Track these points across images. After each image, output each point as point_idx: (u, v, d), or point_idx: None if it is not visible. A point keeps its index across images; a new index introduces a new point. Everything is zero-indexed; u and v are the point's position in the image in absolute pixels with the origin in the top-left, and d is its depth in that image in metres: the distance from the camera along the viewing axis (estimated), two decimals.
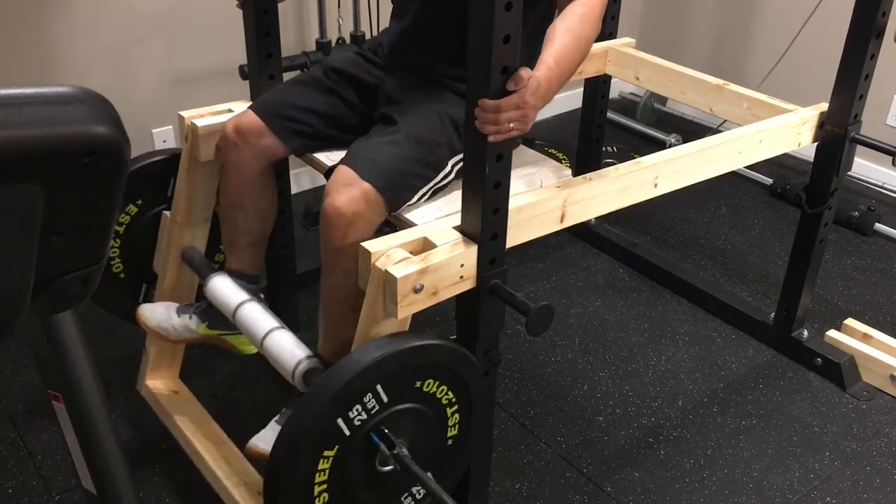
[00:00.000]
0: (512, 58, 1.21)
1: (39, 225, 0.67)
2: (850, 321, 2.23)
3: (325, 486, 1.30)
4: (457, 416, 1.43)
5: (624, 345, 2.26)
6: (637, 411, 2.03)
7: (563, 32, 1.39)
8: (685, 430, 1.98)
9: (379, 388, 1.28)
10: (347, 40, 2.67)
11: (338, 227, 1.44)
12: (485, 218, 1.34)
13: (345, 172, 1.47)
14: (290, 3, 2.64)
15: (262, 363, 1.60)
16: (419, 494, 1.44)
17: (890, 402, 2.09)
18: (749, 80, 2.99)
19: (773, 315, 2.25)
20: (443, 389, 1.38)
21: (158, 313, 1.76)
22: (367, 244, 1.36)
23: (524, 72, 1.22)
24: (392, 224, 1.58)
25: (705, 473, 1.86)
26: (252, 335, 1.54)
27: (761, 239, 2.78)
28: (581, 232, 2.69)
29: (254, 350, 1.78)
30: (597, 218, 2.29)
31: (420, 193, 1.55)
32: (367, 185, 1.44)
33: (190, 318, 1.74)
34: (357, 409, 1.27)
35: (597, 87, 2.48)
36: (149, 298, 1.91)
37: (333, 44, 2.63)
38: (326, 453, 1.27)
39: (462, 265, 1.36)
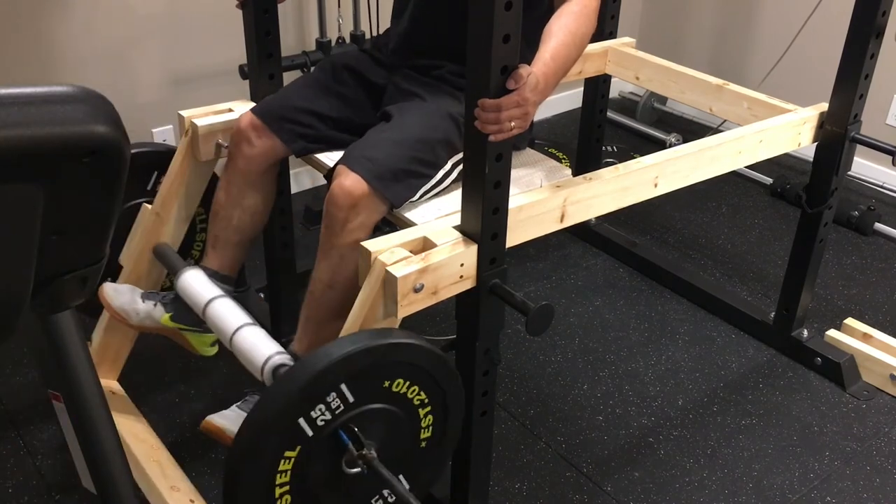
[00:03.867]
0: (512, 57, 1.21)
1: (39, 225, 0.67)
2: (849, 321, 2.23)
3: (286, 489, 1.25)
4: (430, 417, 1.38)
5: (624, 344, 2.26)
6: (637, 411, 2.03)
7: (559, 29, 1.40)
8: (685, 429, 1.98)
9: (344, 387, 1.23)
10: (347, 40, 2.67)
11: (342, 208, 1.46)
12: (485, 217, 1.34)
13: (344, 171, 1.48)
14: (290, 2, 2.64)
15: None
16: (391, 498, 1.39)
17: (890, 402, 2.09)
18: (749, 80, 2.99)
19: (773, 315, 2.25)
20: (414, 390, 1.33)
21: (123, 294, 1.72)
22: (366, 243, 1.36)
23: (523, 69, 1.23)
24: (392, 223, 1.59)
25: (705, 473, 1.86)
26: (221, 330, 1.48)
27: (761, 239, 2.78)
28: (581, 232, 2.69)
29: (211, 352, 1.77)
30: (597, 217, 2.29)
31: (422, 191, 1.55)
32: (365, 184, 1.46)
33: (155, 305, 1.70)
34: (320, 409, 1.22)
35: (597, 86, 2.48)
36: None
37: (333, 43, 2.63)
38: (288, 454, 1.23)
39: (462, 265, 1.36)
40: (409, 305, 1.33)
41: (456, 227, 1.41)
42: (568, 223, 1.56)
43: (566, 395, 2.08)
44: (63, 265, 0.73)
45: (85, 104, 0.65)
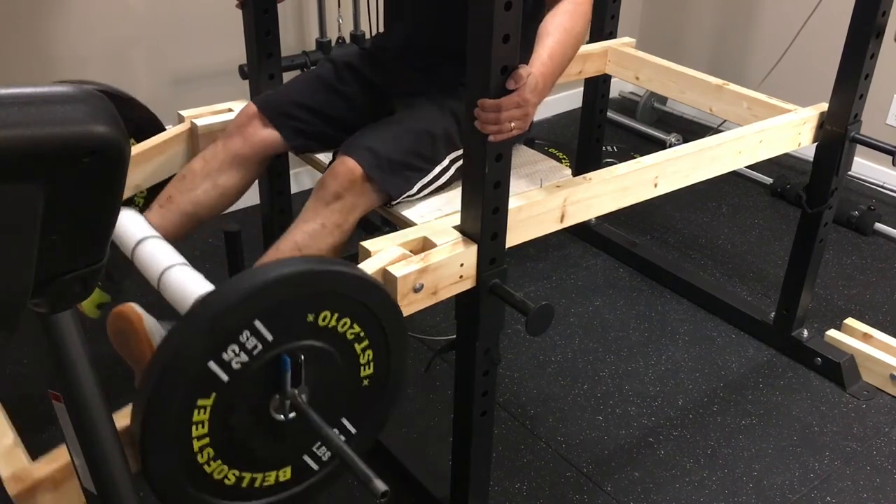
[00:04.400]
0: (512, 57, 1.21)
1: (39, 225, 0.67)
2: (850, 321, 2.23)
3: (206, 441, 1.12)
4: (369, 352, 1.24)
5: (624, 344, 2.26)
6: (637, 411, 2.03)
7: (555, 29, 1.41)
8: (685, 429, 1.98)
9: (258, 324, 1.09)
10: (347, 40, 2.67)
11: (340, 182, 1.48)
12: (485, 217, 1.34)
13: (345, 158, 1.49)
14: (290, 2, 2.64)
15: None
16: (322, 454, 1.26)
17: (890, 402, 2.09)
18: (749, 80, 2.99)
19: (773, 315, 2.25)
20: (345, 322, 1.18)
21: None
22: (366, 243, 1.36)
23: (523, 69, 1.23)
24: (392, 223, 1.59)
25: (705, 473, 1.86)
26: (150, 270, 1.33)
27: (761, 239, 2.78)
28: (581, 231, 2.69)
29: (93, 314, 1.61)
30: (597, 217, 2.29)
31: (419, 185, 1.56)
32: (362, 172, 1.47)
33: None
34: (233, 350, 1.08)
35: (597, 86, 2.48)
36: None
37: (333, 43, 2.63)
38: (201, 402, 1.09)
39: (462, 265, 1.36)
40: (408, 305, 1.33)
41: (456, 227, 1.41)
42: (568, 223, 1.56)
43: (566, 395, 2.08)
44: (63, 265, 0.73)
45: (85, 104, 0.65)
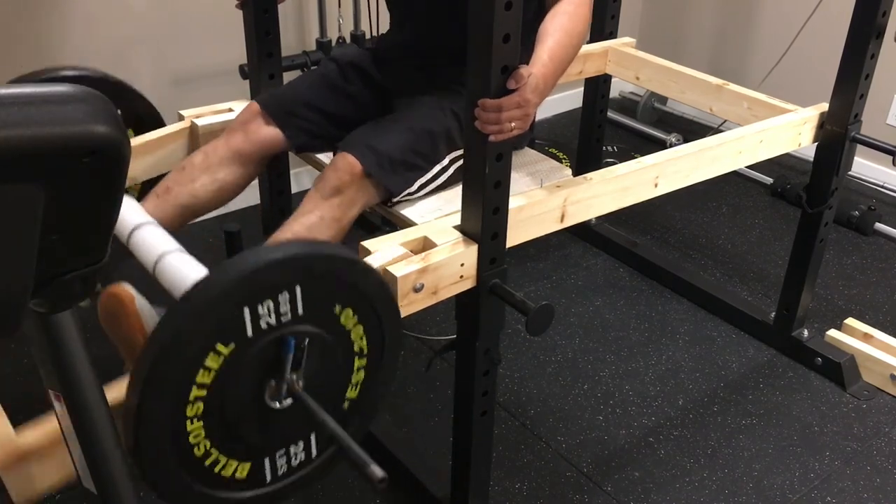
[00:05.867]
0: (512, 57, 1.21)
1: (39, 225, 0.67)
2: (850, 321, 2.23)
3: (203, 393, 1.04)
4: (362, 372, 1.20)
5: (624, 344, 2.26)
6: (637, 411, 2.03)
7: (556, 30, 1.41)
8: (685, 429, 1.98)
9: (298, 290, 1.06)
10: (348, 39, 2.67)
11: (340, 177, 1.48)
12: (485, 217, 1.34)
13: (343, 155, 1.50)
14: (290, 2, 2.64)
15: None
16: (300, 454, 1.18)
17: (890, 402, 2.09)
18: (749, 80, 2.99)
19: (773, 315, 2.25)
20: (359, 330, 1.16)
21: None
22: (366, 243, 1.36)
23: (524, 69, 1.23)
24: (392, 223, 1.59)
25: (705, 473, 1.86)
26: (146, 257, 1.30)
27: (761, 239, 2.78)
28: (581, 231, 2.69)
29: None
30: (597, 217, 2.29)
31: (419, 184, 1.56)
32: (362, 169, 1.48)
33: None
34: (268, 306, 1.04)
35: (597, 86, 2.48)
36: None
37: (334, 43, 2.63)
38: (219, 348, 1.03)
39: (462, 264, 1.36)
40: (409, 305, 1.33)
41: (456, 227, 1.41)
42: (568, 223, 1.56)
43: (566, 395, 2.08)
44: (63, 265, 0.73)
45: (85, 104, 0.65)
